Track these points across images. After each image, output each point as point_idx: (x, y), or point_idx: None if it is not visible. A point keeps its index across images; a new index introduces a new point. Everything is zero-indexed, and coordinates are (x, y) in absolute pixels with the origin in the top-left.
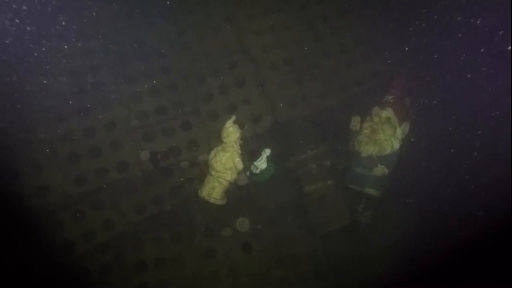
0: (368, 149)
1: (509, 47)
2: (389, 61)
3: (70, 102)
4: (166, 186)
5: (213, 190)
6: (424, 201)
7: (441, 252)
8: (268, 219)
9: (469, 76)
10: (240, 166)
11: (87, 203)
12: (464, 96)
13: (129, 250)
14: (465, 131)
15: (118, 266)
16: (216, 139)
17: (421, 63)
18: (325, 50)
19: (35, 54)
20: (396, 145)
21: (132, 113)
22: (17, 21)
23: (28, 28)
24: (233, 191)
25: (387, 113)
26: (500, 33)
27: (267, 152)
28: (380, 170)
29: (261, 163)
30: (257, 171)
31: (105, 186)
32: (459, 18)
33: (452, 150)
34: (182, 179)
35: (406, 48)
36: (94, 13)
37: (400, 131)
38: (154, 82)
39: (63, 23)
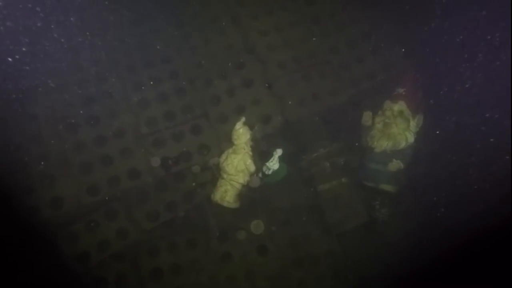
0: (381, 144)
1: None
2: (398, 53)
3: (80, 112)
4: (179, 191)
5: (226, 194)
6: (443, 195)
7: (463, 248)
8: (282, 220)
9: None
10: (252, 168)
11: (100, 213)
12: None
13: (145, 258)
14: (480, 123)
15: (134, 275)
16: (226, 141)
17: (431, 54)
18: (333, 46)
19: (43, 65)
20: (411, 138)
21: (141, 120)
22: (26, 40)
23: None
24: (246, 193)
25: (400, 106)
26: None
27: (278, 152)
28: (395, 165)
29: (273, 164)
30: (270, 172)
31: (118, 194)
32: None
33: (467, 142)
34: (194, 183)
35: (415, 40)
36: (100, 23)
37: (414, 124)
38: (162, 87)
39: (69, 32)
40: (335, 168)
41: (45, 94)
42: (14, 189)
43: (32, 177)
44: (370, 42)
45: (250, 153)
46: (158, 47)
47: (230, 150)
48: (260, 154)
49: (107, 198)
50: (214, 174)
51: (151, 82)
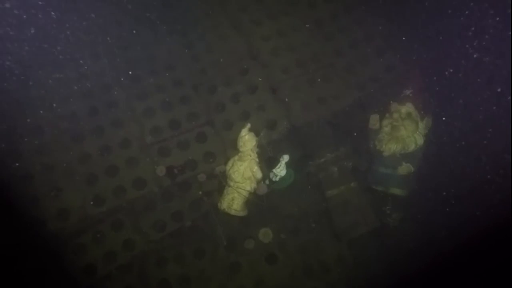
0: (390, 148)
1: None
2: (403, 54)
3: (84, 122)
4: (185, 200)
5: (233, 202)
6: (455, 198)
7: (476, 249)
8: (291, 228)
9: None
10: (259, 174)
11: (107, 224)
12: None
13: (152, 269)
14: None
15: (142, 286)
16: (232, 148)
17: (435, 54)
18: (337, 49)
19: (48, 77)
20: (420, 140)
21: (146, 129)
22: (26, 48)
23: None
24: (254, 201)
25: (407, 108)
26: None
27: (285, 158)
28: (405, 168)
29: (280, 170)
30: (277, 179)
31: (124, 205)
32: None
33: (478, 144)
34: (200, 192)
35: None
36: (103, 34)
37: (423, 125)
38: (166, 96)
39: (74, 44)
40: (343, 173)
41: (49, 106)
42: (19, 201)
43: (37, 189)
44: (374, 44)
45: (257, 159)
46: (161, 55)
47: (236, 157)
48: (267, 161)
49: (113, 208)
50: (221, 182)
51: (155, 91)
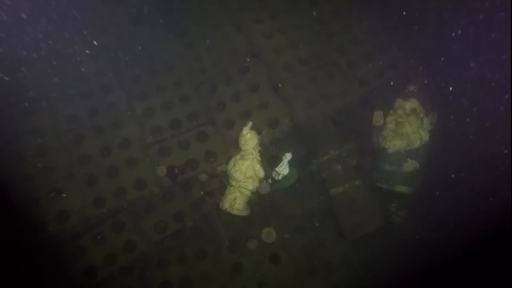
0: (395, 144)
1: None
2: (406, 50)
3: (85, 123)
4: (186, 201)
5: (235, 201)
6: (462, 194)
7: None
8: (295, 227)
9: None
10: (261, 173)
11: (107, 225)
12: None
13: (153, 270)
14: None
15: None
16: (233, 147)
17: (439, 48)
18: (339, 46)
19: (46, 78)
20: (425, 137)
21: (146, 129)
22: (29, 52)
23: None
24: (256, 200)
25: (412, 104)
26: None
27: (288, 156)
28: (411, 165)
29: (283, 169)
30: (279, 178)
31: (124, 206)
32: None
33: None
34: (202, 192)
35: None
36: (102, 34)
37: (428, 121)
38: (166, 95)
39: (74, 45)
40: (347, 171)
41: (49, 107)
42: (19, 203)
43: (37, 191)
44: (377, 40)
45: (259, 158)
46: (161, 55)
47: (238, 156)
48: (269, 159)
49: (113, 209)
50: (222, 182)
51: (155, 91)
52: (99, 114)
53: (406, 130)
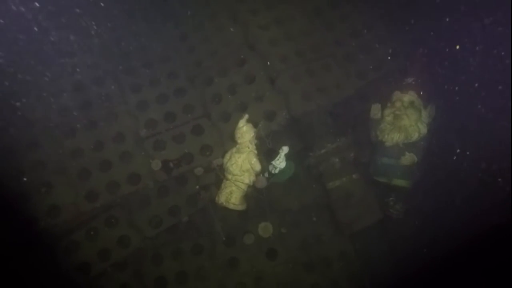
0: (392, 137)
1: None
2: (405, 42)
3: (77, 116)
4: (181, 195)
5: (231, 195)
6: (462, 188)
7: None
8: (292, 222)
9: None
10: (258, 167)
11: (100, 220)
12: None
13: (148, 266)
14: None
15: (137, 284)
16: (230, 141)
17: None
18: (336, 37)
19: (36, 70)
20: (424, 129)
21: (140, 122)
22: (20, 43)
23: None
24: (253, 194)
25: (410, 96)
26: None
27: (285, 150)
28: (409, 158)
29: (280, 162)
30: (276, 171)
31: (118, 200)
32: None
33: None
34: (197, 186)
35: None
36: (95, 25)
37: (426, 114)
38: (161, 88)
39: (65, 35)
40: (344, 164)
41: (39, 99)
42: (9, 198)
43: (28, 185)
44: (375, 32)
45: (255, 151)
46: (155, 46)
47: (234, 150)
48: (266, 153)
49: (107, 204)
50: (218, 176)
51: (149, 83)
52: (91, 107)
53: (404, 123)
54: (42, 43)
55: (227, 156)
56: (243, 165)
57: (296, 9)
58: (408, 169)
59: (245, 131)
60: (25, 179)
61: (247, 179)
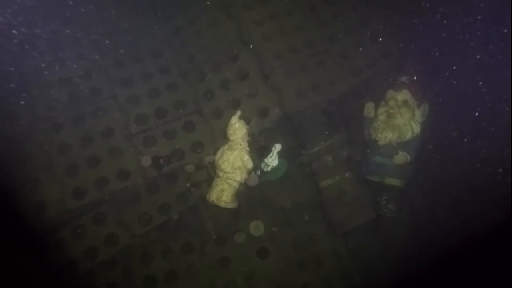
0: (386, 136)
1: None
2: (399, 40)
3: (64, 110)
4: (172, 192)
5: (223, 193)
6: (454, 188)
7: (475, 244)
8: (284, 220)
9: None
10: (250, 164)
11: (88, 217)
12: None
13: (137, 265)
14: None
15: (126, 284)
16: (221, 138)
17: (433, 40)
18: (331, 34)
19: (24, 62)
20: (417, 129)
21: (130, 117)
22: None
23: (15, 32)
24: (244, 192)
25: (403, 95)
26: None
27: (277, 147)
28: (402, 157)
29: (272, 160)
30: (268, 169)
31: (106, 197)
32: None
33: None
34: (188, 184)
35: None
36: (85, 17)
37: (420, 113)
38: (152, 83)
39: (53, 28)
40: (337, 162)
41: (25, 92)
42: None
43: (12, 182)
44: (370, 30)
45: (247, 148)
46: (147, 40)
47: (226, 147)
48: (258, 150)
49: (95, 201)
50: (209, 173)
51: (140, 78)
52: (80, 101)
53: (397, 121)
54: (28, 36)
55: (219, 153)
56: (235, 163)
57: (291, 4)
58: (401, 168)
59: (237, 128)
60: (10, 175)
61: (239, 176)
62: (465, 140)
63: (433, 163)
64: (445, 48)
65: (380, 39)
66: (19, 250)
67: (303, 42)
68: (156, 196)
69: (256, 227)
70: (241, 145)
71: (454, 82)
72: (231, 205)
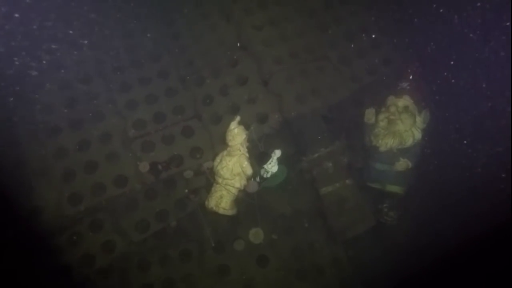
0: (386, 143)
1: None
2: (400, 46)
3: (62, 115)
4: (170, 199)
5: (222, 200)
6: (455, 194)
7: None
8: (283, 228)
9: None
10: (249, 170)
11: (84, 224)
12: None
13: (134, 272)
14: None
15: None
16: (220, 143)
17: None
18: (331, 40)
19: (23, 66)
20: (418, 135)
21: (128, 122)
22: (4, 39)
23: (18, 39)
24: (243, 199)
25: (404, 101)
26: None
27: (277, 153)
28: (403, 164)
29: (272, 166)
30: (268, 175)
31: (103, 203)
32: None
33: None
34: (186, 190)
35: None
36: (85, 21)
37: (421, 119)
38: (151, 88)
39: (49, 32)
40: (338, 169)
41: (23, 96)
42: None
43: (8, 186)
44: (370, 36)
45: (247, 154)
46: (146, 45)
47: (225, 153)
48: (257, 156)
49: (91, 207)
50: (208, 179)
51: (139, 83)
52: (77, 105)
53: (398, 128)
54: (26, 38)
55: (218, 159)
56: (234, 169)
57: (291, 10)
58: (402, 175)
59: (237, 134)
60: (5, 179)
61: (238, 183)
62: (465, 142)
63: (432, 168)
64: (445, 47)
65: (380, 45)
66: (13, 257)
67: (303, 47)
68: (154, 202)
69: (256, 235)
70: (240, 151)
71: (453, 81)
72: (230, 212)
